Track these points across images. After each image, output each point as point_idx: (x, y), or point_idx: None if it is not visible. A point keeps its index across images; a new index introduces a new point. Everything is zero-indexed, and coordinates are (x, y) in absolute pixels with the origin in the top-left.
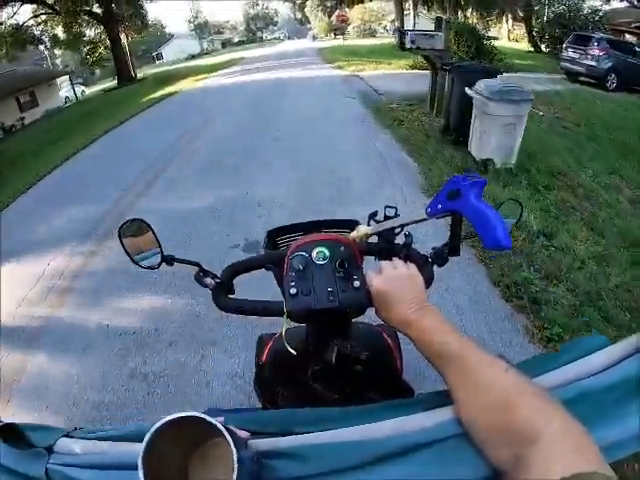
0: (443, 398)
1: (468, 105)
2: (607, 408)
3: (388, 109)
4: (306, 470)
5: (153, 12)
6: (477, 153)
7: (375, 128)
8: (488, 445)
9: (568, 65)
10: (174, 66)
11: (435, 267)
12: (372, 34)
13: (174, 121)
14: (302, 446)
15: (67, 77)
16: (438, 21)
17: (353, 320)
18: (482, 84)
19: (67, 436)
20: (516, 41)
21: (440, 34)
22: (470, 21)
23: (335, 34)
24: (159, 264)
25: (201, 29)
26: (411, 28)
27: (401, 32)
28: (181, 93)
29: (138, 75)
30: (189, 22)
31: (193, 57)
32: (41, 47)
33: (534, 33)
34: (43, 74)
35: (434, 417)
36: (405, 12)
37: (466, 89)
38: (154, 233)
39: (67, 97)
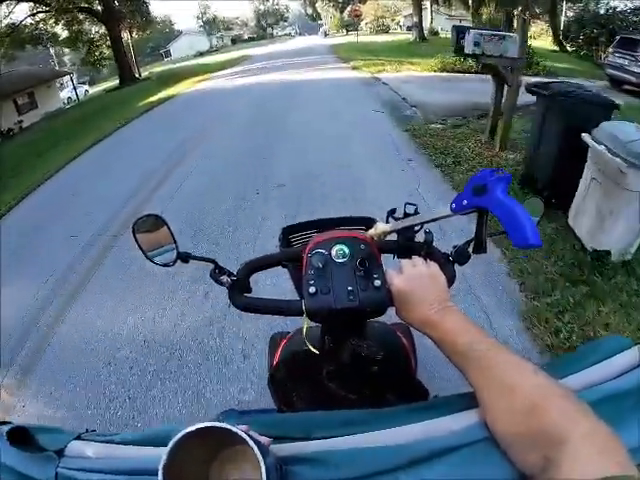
0: (468, 401)
1: (574, 156)
2: (630, 411)
3: (430, 132)
4: (329, 476)
5: (161, 8)
6: (588, 237)
7: (424, 171)
8: (515, 448)
9: (614, 72)
10: (180, 64)
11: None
12: (385, 30)
13: (150, 148)
14: (325, 451)
15: (65, 79)
16: (508, 17)
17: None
18: (610, 131)
19: (78, 439)
20: (534, 38)
21: (513, 36)
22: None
23: (347, 30)
24: (174, 261)
25: (210, 25)
26: (471, 26)
27: (458, 30)
28: (176, 99)
29: (143, 74)
30: (197, 18)
31: (201, 54)
32: (41, 47)
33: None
34: (43, 74)
35: (460, 420)
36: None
37: (584, 137)
38: (169, 229)
39: (69, 98)
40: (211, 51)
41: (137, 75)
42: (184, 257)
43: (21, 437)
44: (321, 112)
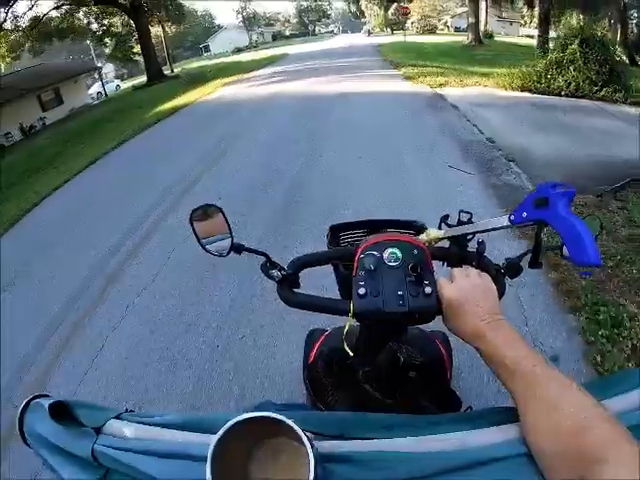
0: (504, 415)
1: None
2: None
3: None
4: (363, 477)
5: (202, 3)
6: None
7: None
8: (552, 467)
9: None
10: (216, 60)
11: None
12: (432, 31)
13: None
14: (360, 452)
15: (104, 71)
16: None
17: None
18: None
19: (117, 418)
20: None
21: None
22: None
23: (392, 29)
24: (228, 252)
25: (250, 21)
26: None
27: None
28: (190, 108)
29: (176, 70)
30: (237, 13)
31: (239, 50)
32: (69, 40)
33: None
34: (70, 69)
35: (496, 434)
36: (463, 9)
37: None
38: (226, 219)
39: (99, 92)
40: (250, 47)
41: (170, 70)
42: (238, 248)
43: (61, 411)
44: (363, 166)
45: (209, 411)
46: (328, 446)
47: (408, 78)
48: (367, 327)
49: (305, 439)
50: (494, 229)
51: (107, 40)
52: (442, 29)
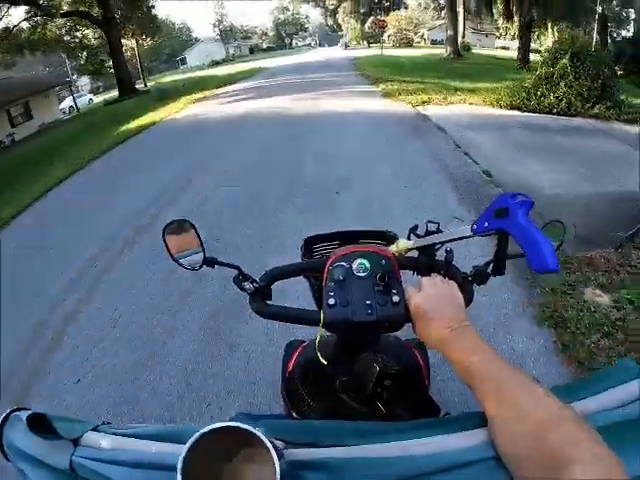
0: (477, 419)
1: None
2: (637, 439)
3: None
4: None
5: (179, 15)
6: None
7: None
8: (521, 469)
9: None
10: (191, 74)
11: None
12: (409, 44)
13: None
14: (335, 458)
15: (80, 83)
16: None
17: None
18: None
19: (95, 430)
20: None
21: None
22: (512, 32)
23: (369, 43)
24: (200, 265)
25: (226, 34)
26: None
27: None
28: (152, 130)
29: (150, 84)
30: (214, 26)
31: (216, 63)
32: (40, 53)
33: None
34: (40, 83)
35: (468, 439)
36: (440, 22)
37: None
38: (198, 234)
39: (71, 107)
40: (226, 60)
41: (144, 84)
42: (210, 262)
43: (39, 424)
44: (341, 207)
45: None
46: (302, 454)
47: (387, 95)
48: (341, 336)
49: (271, 448)
50: (458, 239)
51: (79, 53)
52: (418, 42)
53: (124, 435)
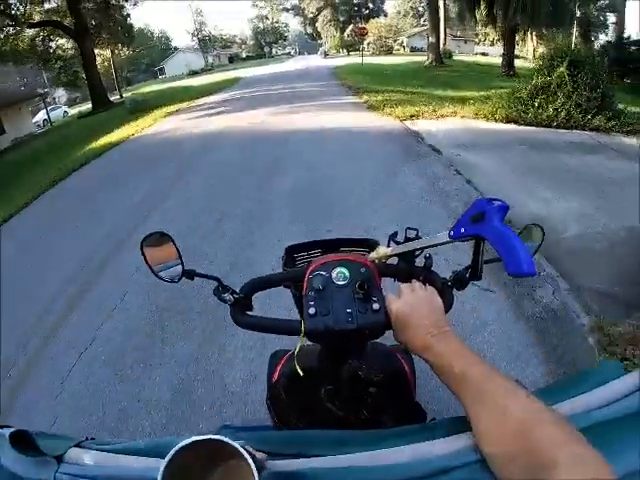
0: (461, 424)
1: None
2: (620, 439)
3: None
4: None
5: (159, 24)
6: None
7: None
8: (505, 472)
9: None
10: (168, 84)
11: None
12: (389, 51)
13: None
14: (319, 468)
15: (56, 94)
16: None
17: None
18: None
19: (78, 446)
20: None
21: None
22: (491, 38)
23: (348, 51)
24: (180, 278)
25: (205, 43)
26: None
27: None
28: (123, 146)
29: (126, 94)
30: (192, 35)
31: (195, 73)
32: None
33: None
34: (12, 96)
35: (453, 443)
36: (419, 29)
37: None
38: (176, 246)
39: (45, 120)
40: (205, 70)
41: (120, 95)
42: (189, 274)
43: (22, 441)
44: None
45: None
46: (286, 465)
47: (372, 108)
48: (325, 345)
49: (250, 460)
50: (436, 245)
51: (53, 64)
52: (398, 49)
53: (107, 451)
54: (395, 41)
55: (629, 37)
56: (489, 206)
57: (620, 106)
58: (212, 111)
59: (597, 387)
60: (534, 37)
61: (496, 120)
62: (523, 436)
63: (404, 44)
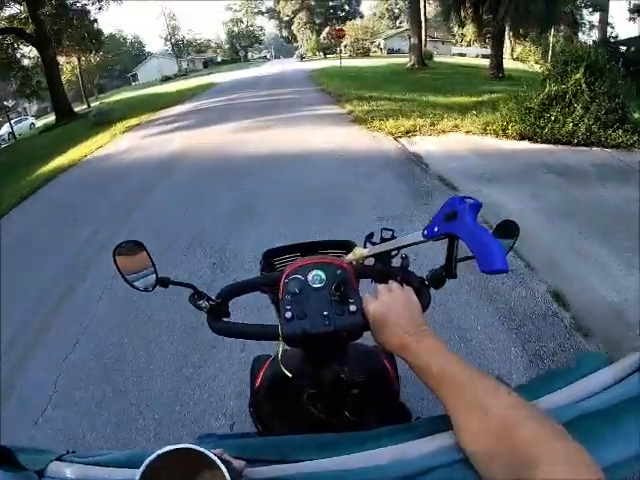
0: (443, 423)
1: None
2: (604, 430)
3: None
4: None
5: (132, 29)
6: None
7: None
8: (488, 470)
9: None
10: (137, 92)
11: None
12: (366, 54)
13: None
14: (301, 474)
15: (25, 107)
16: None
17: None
18: None
19: (59, 460)
20: (522, 61)
21: None
22: (467, 38)
23: (325, 53)
24: (154, 286)
25: (179, 48)
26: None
27: None
28: (72, 171)
29: (95, 104)
30: (165, 40)
31: (167, 79)
32: None
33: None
34: None
35: (434, 443)
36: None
37: None
38: (149, 254)
39: (10, 134)
40: (179, 75)
41: (87, 105)
42: (163, 282)
43: (2, 456)
44: None
45: None
46: (266, 471)
47: (358, 121)
48: (307, 349)
49: (223, 467)
50: (411, 244)
51: (15, 74)
52: (375, 51)
53: (88, 463)
54: (372, 43)
55: (617, 36)
56: (462, 205)
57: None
58: (175, 125)
59: (580, 379)
60: (512, 37)
61: (507, 136)
62: (504, 434)
63: (381, 46)
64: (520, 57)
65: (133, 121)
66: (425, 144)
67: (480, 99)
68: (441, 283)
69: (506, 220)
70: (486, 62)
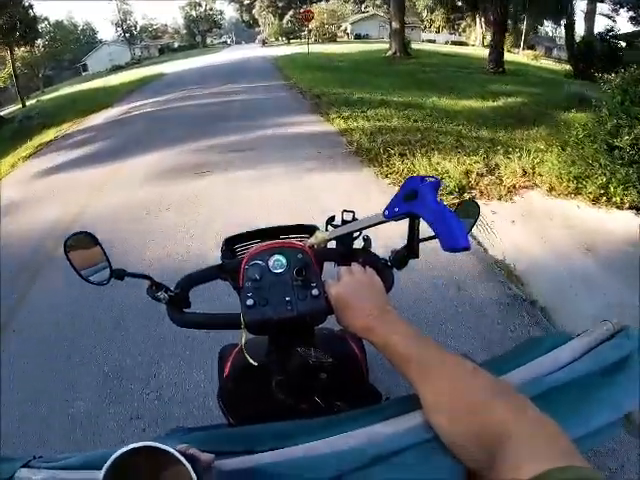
0: (412, 403)
1: None
2: (572, 402)
3: None
4: None
5: (82, 15)
6: None
7: None
8: (459, 447)
9: None
10: (79, 87)
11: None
12: (332, 39)
13: None
14: (269, 464)
15: None
16: None
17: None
18: None
19: (26, 466)
20: (507, 50)
21: None
22: (436, 24)
23: (289, 38)
24: (109, 279)
25: (132, 34)
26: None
27: None
28: None
29: (32, 102)
30: (116, 26)
31: (118, 68)
32: None
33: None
34: None
35: (404, 423)
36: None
37: None
38: (101, 246)
39: None
40: (130, 64)
41: (22, 104)
42: (119, 274)
43: None
44: None
45: None
46: (235, 463)
47: (365, 156)
48: (273, 336)
49: (187, 465)
50: (370, 226)
51: None
52: (342, 37)
53: (56, 467)
54: (339, 28)
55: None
56: (421, 183)
57: None
58: (85, 151)
59: (546, 354)
60: (482, 23)
61: (608, 203)
62: (472, 410)
63: (348, 31)
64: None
65: (50, 134)
66: (504, 231)
67: (496, 104)
68: (404, 263)
69: (466, 200)
70: (466, 50)
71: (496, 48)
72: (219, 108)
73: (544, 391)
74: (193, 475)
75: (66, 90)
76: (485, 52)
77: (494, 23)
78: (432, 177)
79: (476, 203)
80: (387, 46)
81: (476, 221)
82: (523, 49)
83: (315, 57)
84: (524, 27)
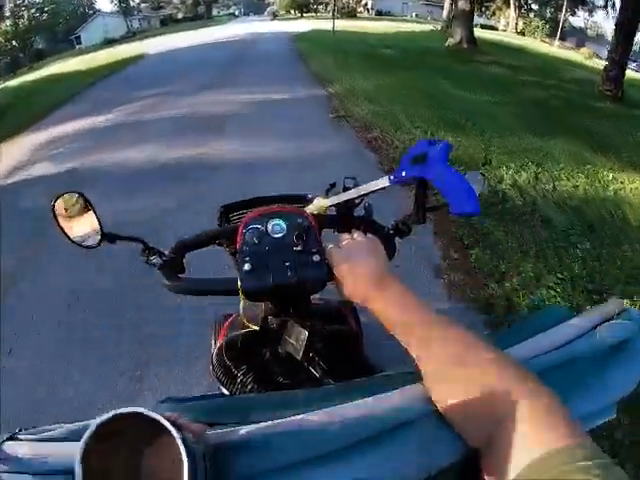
0: (410, 375)
1: None
2: (576, 379)
3: None
4: (268, 462)
5: None
6: None
7: None
8: (461, 422)
9: None
10: (59, 66)
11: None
12: (351, 14)
13: None
14: (263, 434)
15: None
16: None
17: (311, 297)
18: None
19: (11, 439)
20: (523, 34)
21: None
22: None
23: (302, 12)
24: (99, 242)
25: (128, 4)
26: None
27: None
28: None
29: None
30: None
31: (112, 41)
32: None
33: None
34: None
35: (406, 395)
36: None
37: None
38: (92, 207)
39: None
40: (124, 38)
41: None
42: (110, 237)
43: None
44: None
45: None
46: (230, 433)
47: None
48: (269, 304)
49: (175, 432)
50: (374, 191)
51: None
52: (361, 12)
53: (43, 439)
54: (359, 2)
55: None
56: (431, 146)
57: None
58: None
59: (544, 331)
60: (516, 8)
61: None
62: (474, 383)
63: (368, 6)
64: (523, 31)
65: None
66: None
67: None
68: (407, 231)
69: (473, 171)
70: (521, 42)
71: (618, 61)
72: (207, 142)
73: (547, 368)
74: (181, 446)
75: (51, 69)
76: (535, 44)
77: (620, 23)
78: (441, 140)
79: (482, 174)
80: (426, 27)
81: (480, 192)
82: (560, 40)
83: (344, 38)
84: (562, 15)
